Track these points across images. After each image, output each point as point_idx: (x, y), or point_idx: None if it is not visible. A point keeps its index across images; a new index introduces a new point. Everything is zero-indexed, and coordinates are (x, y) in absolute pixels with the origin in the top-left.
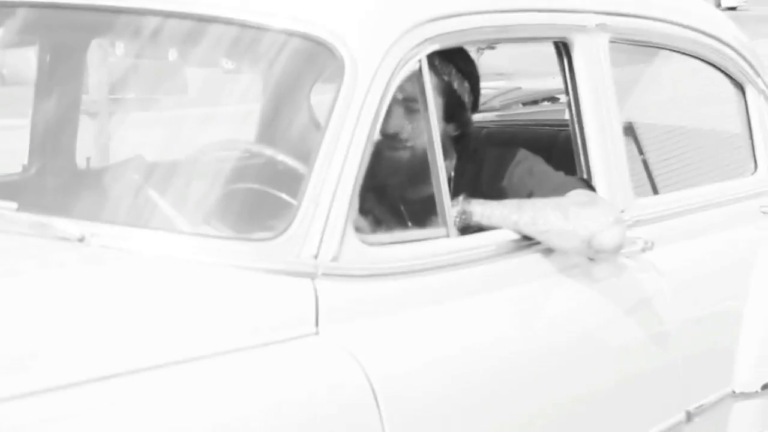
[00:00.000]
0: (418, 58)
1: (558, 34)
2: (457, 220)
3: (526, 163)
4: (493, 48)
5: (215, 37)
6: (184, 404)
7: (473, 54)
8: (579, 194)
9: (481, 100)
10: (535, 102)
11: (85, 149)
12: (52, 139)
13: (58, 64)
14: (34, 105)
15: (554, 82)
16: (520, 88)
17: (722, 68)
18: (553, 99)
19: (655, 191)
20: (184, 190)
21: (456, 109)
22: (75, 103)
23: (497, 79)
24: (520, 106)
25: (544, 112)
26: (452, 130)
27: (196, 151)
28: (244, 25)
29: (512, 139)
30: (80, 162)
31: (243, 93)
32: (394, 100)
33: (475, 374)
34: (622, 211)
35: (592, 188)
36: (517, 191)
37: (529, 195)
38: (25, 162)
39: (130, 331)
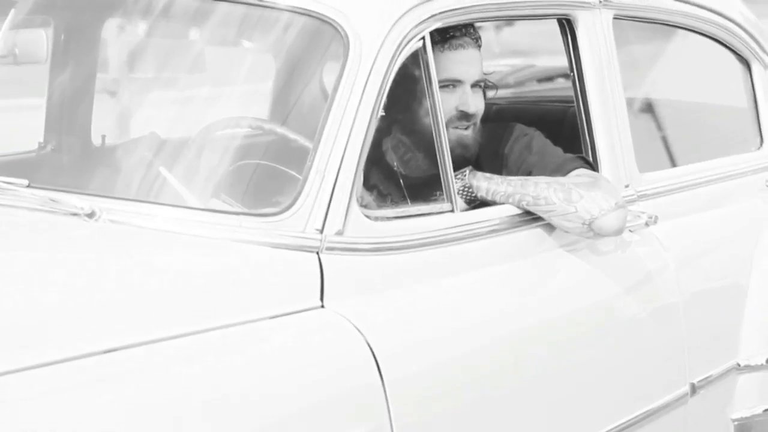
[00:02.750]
0: (421, 35)
1: (561, 11)
2: (463, 193)
3: (524, 138)
4: (510, 25)
5: (223, 16)
6: (191, 376)
7: (492, 32)
8: (581, 175)
9: (496, 77)
10: (549, 79)
11: (103, 127)
12: (68, 117)
13: (72, 43)
14: (50, 84)
15: None
16: (534, 65)
17: (727, 44)
18: (567, 76)
19: (675, 166)
20: (194, 166)
21: None
22: (90, 82)
23: (513, 57)
24: (535, 83)
25: (559, 89)
26: None
27: (205, 129)
28: (250, 4)
29: (522, 115)
30: (96, 139)
31: (254, 71)
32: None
33: (478, 347)
34: (627, 186)
35: (592, 167)
36: (517, 168)
37: (529, 173)
38: (41, 140)
39: (135, 305)
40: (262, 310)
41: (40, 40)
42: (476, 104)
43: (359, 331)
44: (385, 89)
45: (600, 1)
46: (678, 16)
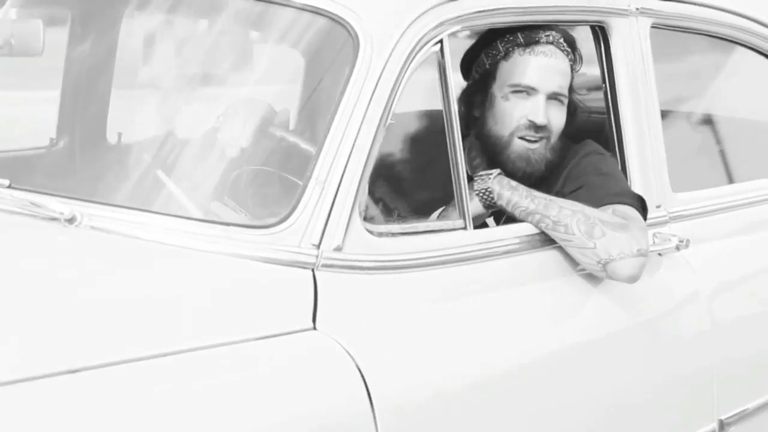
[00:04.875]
0: (438, 38)
1: (594, 17)
2: (482, 195)
3: (597, 156)
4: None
5: (233, 12)
6: (170, 398)
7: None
8: (619, 212)
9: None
10: (599, 88)
11: (109, 128)
12: (78, 116)
13: (89, 38)
14: (64, 79)
15: None
16: (584, 73)
17: None
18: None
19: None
20: (195, 169)
21: None
22: (106, 79)
23: None
24: (585, 91)
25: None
26: None
27: (210, 130)
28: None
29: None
30: (101, 140)
31: (265, 70)
32: None
33: (483, 377)
34: (658, 206)
35: (644, 209)
36: (574, 179)
37: (579, 187)
38: (53, 136)
39: (103, 322)
40: (249, 330)
41: (37, 31)
42: (550, 117)
43: (351, 356)
44: (396, 95)
45: (637, 9)
46: (725, 28)
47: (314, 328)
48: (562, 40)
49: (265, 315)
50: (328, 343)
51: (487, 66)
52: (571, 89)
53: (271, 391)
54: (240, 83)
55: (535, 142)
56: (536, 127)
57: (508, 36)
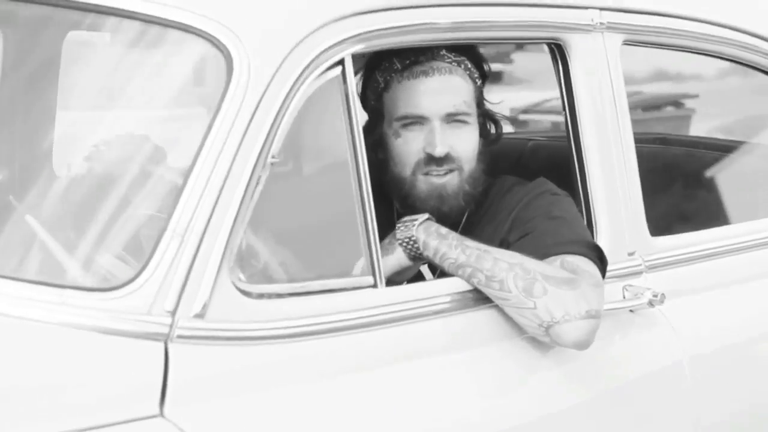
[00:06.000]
0: (337, 59)
1: (548, 34)
2: (408, 245)
3: (550, 197)
4: None
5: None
6: None
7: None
8: (568, 264)
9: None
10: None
11: None
12: None
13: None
14: None
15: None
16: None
17: None
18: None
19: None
20: (64, 217)
21: None
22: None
23: None
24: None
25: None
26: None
27: (78, 170)
28: (126, 16)
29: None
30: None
31: (133, 94)
32: None
33: None
34: (631, 254)
35: (602, 261)
36: (521, 224)
37: (525, 234)
38: None
39: None
40: (78, 418)
41: None
42: (453, 144)
43: None
44: (279, 126)
45: (602, 23)
46: (712, 44)
47: (161, 415)
48: (444, 52)
49: (99, 400)
50: None
51: (373, 102)
52: (480, 102)
53: None
54: (109, 111)
55: (443, 175)
56: (437, 160)
57: (384, 64)
